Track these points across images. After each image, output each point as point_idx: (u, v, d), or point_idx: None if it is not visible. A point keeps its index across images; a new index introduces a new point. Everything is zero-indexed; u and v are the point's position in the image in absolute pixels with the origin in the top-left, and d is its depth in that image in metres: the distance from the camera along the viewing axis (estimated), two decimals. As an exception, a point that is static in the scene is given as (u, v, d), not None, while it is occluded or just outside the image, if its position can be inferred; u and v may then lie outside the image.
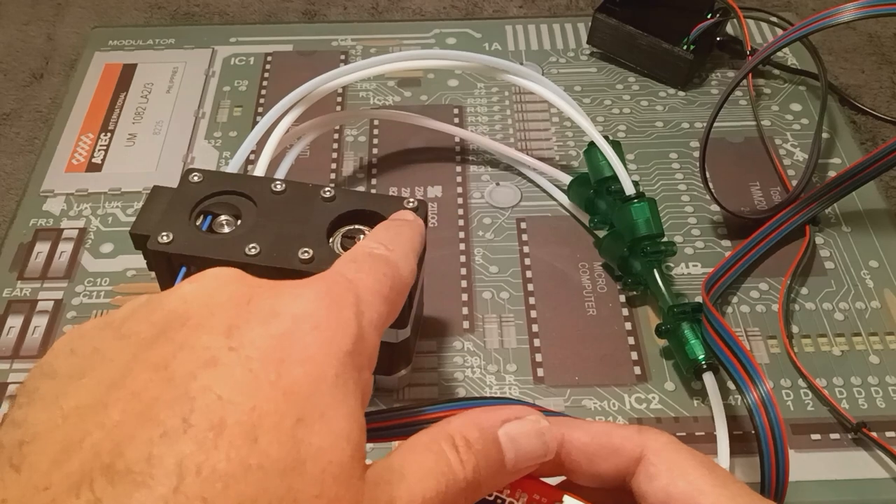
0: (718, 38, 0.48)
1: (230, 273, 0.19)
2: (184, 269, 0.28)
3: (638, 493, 0.20)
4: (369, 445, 0.32)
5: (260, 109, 0.46)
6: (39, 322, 0.37)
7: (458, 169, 0.43)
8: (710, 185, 0.40)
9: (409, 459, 0.18)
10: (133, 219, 0.31)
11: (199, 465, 0.15)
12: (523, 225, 0.41)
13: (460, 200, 0.42)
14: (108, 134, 0.45)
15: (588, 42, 0.49)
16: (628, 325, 0.37)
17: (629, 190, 0.36)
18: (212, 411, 0.15)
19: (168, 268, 0.29)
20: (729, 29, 0.49)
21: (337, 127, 0.45)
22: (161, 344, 0.17)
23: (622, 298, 0.37)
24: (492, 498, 0.21)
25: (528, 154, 0.42)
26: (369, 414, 0.25)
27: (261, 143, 0.37)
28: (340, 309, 0.18)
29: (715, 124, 0.38)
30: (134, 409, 0.16)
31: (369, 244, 0.22)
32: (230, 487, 0.15)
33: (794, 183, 0.42)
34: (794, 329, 0.36)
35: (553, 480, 0.22)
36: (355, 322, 0.19)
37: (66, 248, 0.39)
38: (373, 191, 0.42)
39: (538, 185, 0.42)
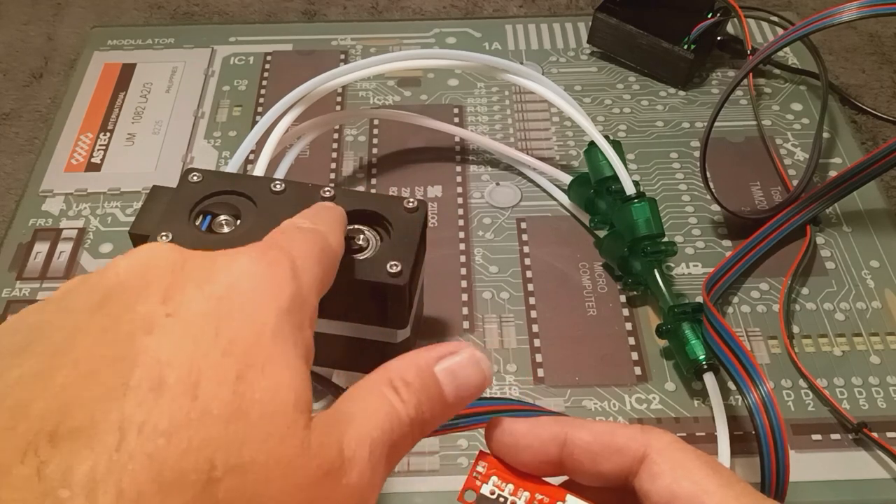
0: (719, 38, 0.48)
1: (164, 246, 0.19)
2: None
3: (641, 493, 0.20)
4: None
5: (259, 109, 0.46)
6: (38, 322, 0.37)
7: (458, 169, 0.43)
8: (711, 184, 0.40)
9: (353, 404, 0.19)
10: (132, 219, 0.31)
11: (140, 423, 0.15)
12: (523, 225, 0.40)
13: (460, 200, 0.42)
14: (108, 134, 0.45)
15: (588, 41, 0.49)
16: (629, 326, 0.37)
17: (629, 190, 0.36)
18: (151, 372, 0.16)
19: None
20: (729, 28, 0.49)
21: (337, 126, 0.45)
22: (100, 315, 0.17)
23: (622, 298, 0.37)
24: (494, 496, 0.21)
25: (528, 154, 0.42)
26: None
27: (260, 143, 0.37)
28: (276, 270, 0.19)
29: (715, 124, 0.38)
30: (76, 375, 0.16)
31: (294, 220, 0.23)
32: (172, 442, 0.15)
33: (795, 183, 0.42)
34: (795, 329, 0.36)
35: (556, 480, 0.22)
36: (292, 281, 0.19)
37: (65, 248, 0.39)
38: (373, 191, 0.42)
39: (538, 185, 0.42)
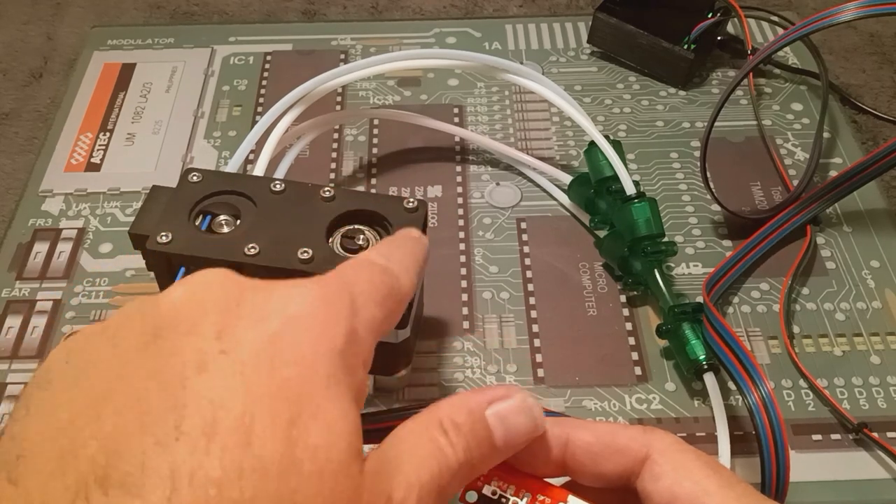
0: (719, 38, 0.48)
1: (220, 274, 0.19)
2: (182, 270, 0.28)
3: (643, 494, 0.20)
4: (368, 447, 0.32)
5: (259, 109, 0.46)
6: (38, 322, 0.37)
7: (458, 169, 0.43)
8: (711, 184, 0.40)
9: (401, 448, 0.19)
10: (132, 219, 0.31)
11: (191, 473, 0.15)
12: (523, 225, 0.40)
13: (460, 200, 0.41)
14: (107, 133, 0.45)
15: (588, 41, 0.49)
16: (629, 326, 0.36)
17: (630, 190, 0.36)
18: (204, 417, 0.16)
19: (167, 268, 0.29)
20: (730, 28, 0.49)
21: (336, 126, 0.45)
22: (153, 350, 0.17)
23: (622, 298, 0.37)
24: (496, 497, 0.21)
25: (528, 154, 0.42)
26: (371, 415, 0.25)
27: (260, 143, 0.37)
28: (332, 308, 0.19)
29: (716, 124, 0.38)
30: (127, 417, 0.16)
31: (370, 254, 0.22)
32: (224, 493, 0.15)
33: (795, 183, 0.42)
34: (795, 329, 0.36)
35: (557, 481, 0.22)
36: (348, 322, 0.19)
37: (64, 248, 0.39)
38: (373, 190, 0.42)
39: (538, 185, 0.42)
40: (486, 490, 0.21)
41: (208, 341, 0.17)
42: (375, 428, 0.25)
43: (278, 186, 0.30)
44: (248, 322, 0.17)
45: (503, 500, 0.21)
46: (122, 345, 0.17)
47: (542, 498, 0.21)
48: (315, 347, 0.18)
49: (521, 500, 0.21)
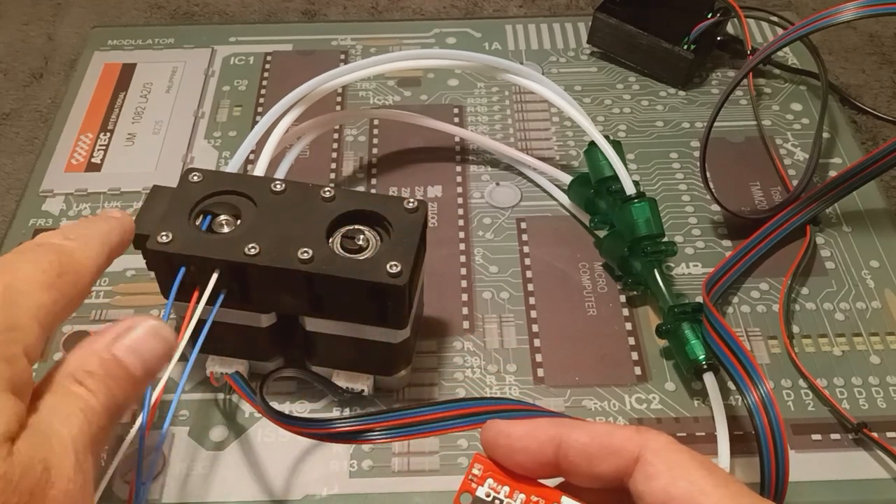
0: (719, 38, 0.48)
1: None
2: (183, 269, 0.28)
3: (635, 494, 0.20)
4: (368, 447, 0.32)
5: (260, 109, 0.46)
6: (39, 322, 0.37)
7: (458, 169, 0.43)
8: (711, 184, 0.40)
9: (43, 413, 0.18)
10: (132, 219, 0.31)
11: None
12: (523, 225, 0.40)
13: (460, 200, 0.42)
14: (108, 134, 0.45)
15: (588, 41, 0.49)
16: (628, 326, 0.37)
17: (629, 190, 0.36)
18: None
19: (168, 268, 0.29)
20: (729, 28, 0.49)
21: (337, 127, 0.45)
22: None
23: (622, 298, 0.37)
24: (490, 499, 0.21)
25: (528, 154, 0.42)
26: (369, 415, 0.25)
27: (260, 143, 0.37)
28: None
29: (715, 124, 0.38)
30: None
31: (43, 236, 0.22)
32: None
33: (795, 183, 0.42)
34: (795, 329, 0.36)
35: (551, 482, 0.22)
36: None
37: (65, 248, 0.39)
38: (373, 191, 0.42)
39: (538, 185, 0.42)
40: (480, 492, 0.21)
41: None
42: (372, 429, 0.25)
43: (279, 186, 0.30)
44: None
45: (497, 501, 0.21)
46: None
47: (535, 499, 0.21)
48: None
49: (515, 501, 0.21)
